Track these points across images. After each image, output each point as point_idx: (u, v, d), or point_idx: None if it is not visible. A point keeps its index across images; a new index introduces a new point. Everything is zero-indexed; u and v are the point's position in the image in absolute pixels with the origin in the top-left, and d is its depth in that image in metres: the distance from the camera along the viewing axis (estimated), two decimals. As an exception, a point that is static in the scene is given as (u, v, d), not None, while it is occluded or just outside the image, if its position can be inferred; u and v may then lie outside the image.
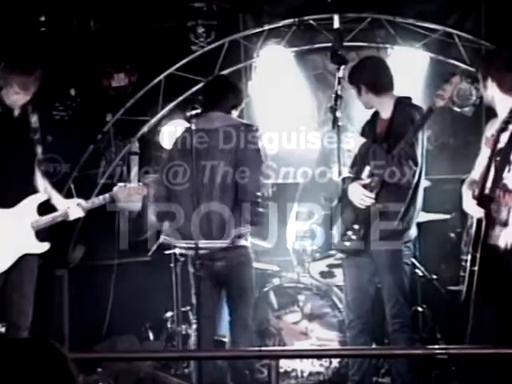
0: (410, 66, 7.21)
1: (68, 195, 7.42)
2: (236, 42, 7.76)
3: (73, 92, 7.99)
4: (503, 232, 4.67)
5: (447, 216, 6.33)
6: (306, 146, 7.70)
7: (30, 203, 5.50)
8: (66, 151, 7.71)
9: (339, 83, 5.70)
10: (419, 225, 5.82)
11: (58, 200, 5.64)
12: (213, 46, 7.75)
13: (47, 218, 5.51)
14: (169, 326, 7.00)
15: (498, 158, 4.70)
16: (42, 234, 5.51)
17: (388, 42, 7.44)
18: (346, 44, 7.15)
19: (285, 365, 6.10)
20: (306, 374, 6.16)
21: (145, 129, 7.83)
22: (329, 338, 6.18)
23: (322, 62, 7.76)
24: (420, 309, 6.44)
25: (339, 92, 5.66)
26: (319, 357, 5.86)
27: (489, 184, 4.70)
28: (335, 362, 6.13)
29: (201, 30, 7.84)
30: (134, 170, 7.81)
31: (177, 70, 7.71)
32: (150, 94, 7.80)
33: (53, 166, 7.67)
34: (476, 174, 4.91)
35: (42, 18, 7.60)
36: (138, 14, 7.78)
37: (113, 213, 7.65)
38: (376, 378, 6.15)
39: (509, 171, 4.66)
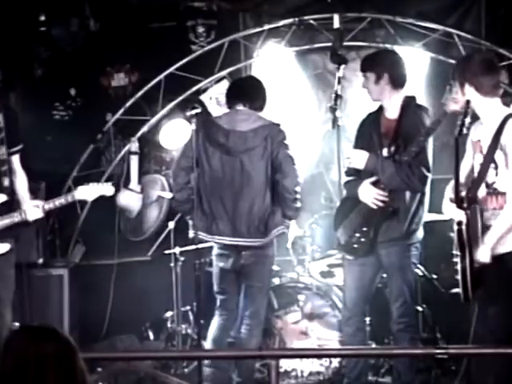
0: (409, 66, 7.19)
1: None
2: (236, 41, 7.76)
3: (73, 92, 8.00)
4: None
5: (447, 216, 6.33)
6: (306, 146, 7.69)
7: None
8: (65, 151, 7.74)
9: (339, 83, 5.68)
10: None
11: (24, 200, 5.62)
12: (213, 45, 7.75)
13: (4, 219, 5.49)
14: (169, 325, 7.00)
15: (481, 162, 4.71)
16: (2, 235, 5.46)
17: (388, 41, 7.43)
18: (346, 44, 7.16)
19: (285, 364, 6.10)
20: (306, 374, 6.16)
21: (145, 128, 7.83)
22: (329, 338, 6.17)
23: (322, 61, 7.76)
24: (420, 309, 6.45)
25: (339, 92, 5.64)
26: (319, 356, 5.86)
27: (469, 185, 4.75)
28: (335, 362, 6.12)
29: (201, 29, 7.84)
30: (134, 170, 7.82)
31: (177, 70, 7.71)
32: (150, 94, 7.80)
33: (53, 166, 7.70)
34: (461, 177, 4.93)
35: (42, 18, 7.60)
36: (138, 13, 7.78)
37: (112, 212, 7.67)
38: (376, 377, 6.15)
39: (496, 174, 4.67)
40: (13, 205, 5.55)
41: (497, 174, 4.66)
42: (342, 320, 5.81)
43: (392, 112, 5.55)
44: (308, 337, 6.21)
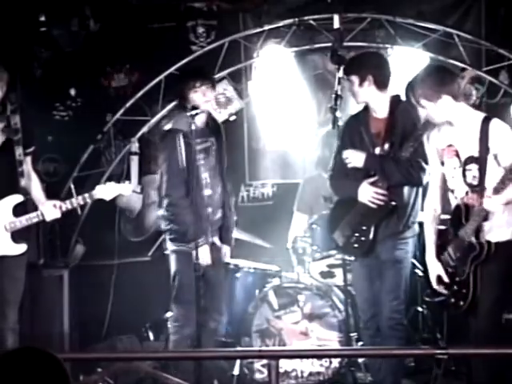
0: (409, 66, 7.20)
1: (68, 195, 7.43)
2: (236, 42, 7.75)
3: (73, 92, 8.00)
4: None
5: (447, 216, 6.33)
6: (306, 146, 7.69)
7: (6, 204, 5.49)
8: (66, 151, 7.74)
9: (339, 83, 5.69)
10: (419, 225, 5.82)
11: (40, 201, 5.62)
12: (213, 45, 7.74)
13: (22, 220, 5.49)
14: (169, 326, 6.99)
15: (459, 166, 4.76)
16: (18, 236, 5.49)
17: (388, 42, 7.44)
18: (346, 44, 7.15)
19: (285, 365, 6.10)
20: (305, 374, 6.16)
21: (145, 129, 7.82)
22: (329, 338, 6.17)
23: (322, 62, 7.76)
24: (420, 309, 6.45)
25: (339, 92, 5.65)
26: (319, 357, 5.85)
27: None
28: (335, 362, 6.13)
29: (201, 29, 7.84)
30: (134, 170, 7.81)
31: (177, 70, 7.71)
32: (150, 94, 7.80)
33: (53, 166, 7.70)
34: (435, 199, 4.97)
35: (42, 18, 7.60)
36: (138, 13, 7.78)
37: (113, 212, 7.67)
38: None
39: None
40: (28, 205, 5.56)
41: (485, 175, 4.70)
42: (360, 325, 5.80)
43: (380, 112, 5.54)
44: (308, 337, 6.21)
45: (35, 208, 5.59)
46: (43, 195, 5.67)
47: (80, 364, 6.39)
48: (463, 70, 5.15)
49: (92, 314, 7.23)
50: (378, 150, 5.48)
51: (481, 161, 4.71)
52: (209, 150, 5.79)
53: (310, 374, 6.17)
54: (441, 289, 4.92)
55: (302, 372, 6.16)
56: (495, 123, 4.74)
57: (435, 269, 4.91)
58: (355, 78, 5.53)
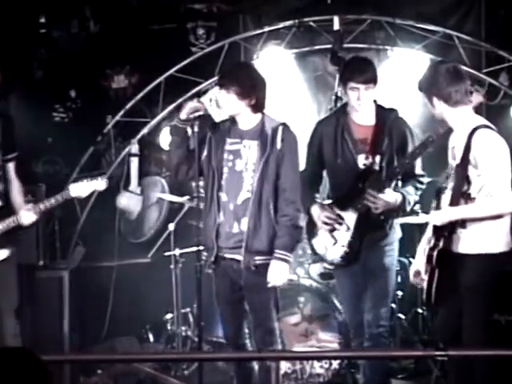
0: (409, 68, 7.20)
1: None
2: (236, 43, 7.76)
3: (73, 93, 8.00)
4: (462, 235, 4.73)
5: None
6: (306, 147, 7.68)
7: None
8: (65, 153, 7.75)
9: (339, 85, 5.67)
10: (418, 226, 5.82)
11: (19, 206, 5.56)
12: (213, 47, 7.75)
13: (0, 225, 5.47)
14: (169, 327, 7.00)
15: (454, 172, 4.75)
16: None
17: (388, 43, 7.44)
18: (345, 45, 7.16)
19: (285, 366, 6.10)
20: (306, 376, 6.16)
21: (145, 130, 7.83)
22: (329, 340, 6.17)
23: (322, 63, 7.77)
24: (420, 310, 6.45)
25: (339, 93, 5.64)
26: (319, 358, 5.85)
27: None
28: (335, 364, 6.12)
29: (201, 31, 7.85)
30: (134, 172, 7.82)
31: (177, 72, 7.71)
32: (150, 96, 7.80)
33: (52, 168, 7.70)
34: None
35: (42, 20, 7.61)
36: (138, 15, 7.79)
37: (113, 214, 7.68)
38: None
39: (469, 183, 4.66)
40: (7, 210, 5.53)
41: (469, 183, 4.66)
42: (351, 331, 5.77)
43: (366, 118, 5.33)
44: (308, 339, 6.21)
45: (14, 213, 5.54)
46: (22, 200, 5.62)
47: (80, 365, 6.39)
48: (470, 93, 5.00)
49: (92, 316, 7.23)
50: (361, 158, 5.28)
51: (460, 171, 4.68)
52: (239, 152, 5.03)
53: (310, 375, 6.17)
54: (416, 282, 4.92)
55: (302, 373, 6.16)
56: (479, 135, 4.65)
57: (417, 262, 4.89)
58: (374, 86, 5.28)
